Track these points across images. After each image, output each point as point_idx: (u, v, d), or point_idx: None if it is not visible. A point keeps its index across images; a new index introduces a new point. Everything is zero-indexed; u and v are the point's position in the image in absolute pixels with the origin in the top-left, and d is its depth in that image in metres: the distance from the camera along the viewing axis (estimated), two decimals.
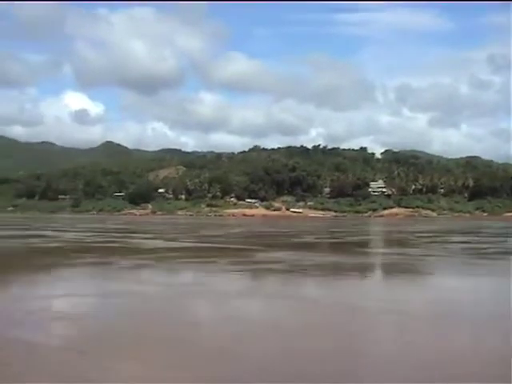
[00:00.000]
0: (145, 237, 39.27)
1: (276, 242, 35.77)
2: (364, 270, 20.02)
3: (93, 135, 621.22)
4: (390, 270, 20.19)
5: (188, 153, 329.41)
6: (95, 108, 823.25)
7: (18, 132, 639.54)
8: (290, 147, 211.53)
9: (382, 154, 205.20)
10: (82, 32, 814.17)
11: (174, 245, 31.23)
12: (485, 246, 31.77)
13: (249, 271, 18.65)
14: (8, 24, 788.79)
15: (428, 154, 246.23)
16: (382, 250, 30.59)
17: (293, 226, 68.32)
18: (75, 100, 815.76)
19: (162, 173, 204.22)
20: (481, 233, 51.31)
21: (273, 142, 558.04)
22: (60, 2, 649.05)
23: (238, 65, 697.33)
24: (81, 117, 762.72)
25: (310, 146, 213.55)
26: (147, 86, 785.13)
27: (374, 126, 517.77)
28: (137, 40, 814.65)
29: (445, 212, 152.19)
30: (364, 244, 36.92)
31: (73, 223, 74.70)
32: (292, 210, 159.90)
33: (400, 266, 20.86)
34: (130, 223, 79.67)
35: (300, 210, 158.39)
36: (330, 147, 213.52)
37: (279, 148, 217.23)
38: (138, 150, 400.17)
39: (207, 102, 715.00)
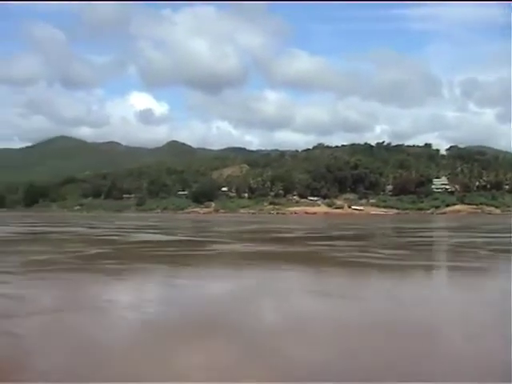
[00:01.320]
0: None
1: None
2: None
3: (158, 135, 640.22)
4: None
5: (252, 151, 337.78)
6: (160, 108, 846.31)
7: (85, 133, 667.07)
8: (353, 144, 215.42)
9: (447, 150, 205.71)
10: (147, 32, 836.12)
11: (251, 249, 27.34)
12: None
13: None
14: (76, 26, 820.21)
15: (496, 150, 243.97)
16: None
17: (359, 225, 68.49)
18: (140, 100, 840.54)
19: (226, 171, 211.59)
20: None
21: (337, 140, 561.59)
22: (125, 2, 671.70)
23: (300, 62, 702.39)
24: (146, 117, 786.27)
25: (373, 143, 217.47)
26: (211, 84, 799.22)
27: (439, 122, 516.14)
28: (200, 39, 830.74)
29: (509, 209, 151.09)
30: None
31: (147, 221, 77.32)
32: (353, 207, 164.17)
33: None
34: (197, 221, 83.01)
35: (361, 208, 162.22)
36: (394, 144, 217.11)
37: (343, 145, 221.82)
38: (203, 149, 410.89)
39: (271, 100, 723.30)
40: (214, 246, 27.60)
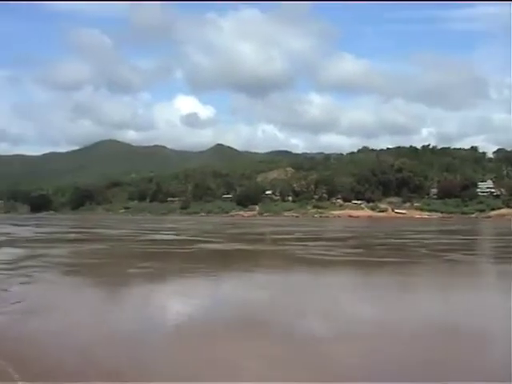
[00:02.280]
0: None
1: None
2: None
3: (203, 138, 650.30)
4: None
5: (297, 154, 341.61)
6: (206, 111, 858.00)
7: (131, 136, 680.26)
8: (398, 147, 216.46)
9: (494, 153, 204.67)
10: (192, 36, 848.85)
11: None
12: None
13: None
14: (123, 31, 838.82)
15: None
16: None
17: (379, 227, 72.15)
18: (186, 104, 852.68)
19: (271, 175, 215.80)
20: None
21: (383, 143, 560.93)
22: (170, 1, 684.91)
23: (346, 65, 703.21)
24: (192, 120, 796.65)
25: (419, 146, 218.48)
26: (256, 88, 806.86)
27: (487, 125, 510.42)
28: (245, 42, 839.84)
29: None
30: None
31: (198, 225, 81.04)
32: (396, 211, 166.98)
33: None
34: (237, 224, 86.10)
35: (404, 211, 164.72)
36: (439, 147, 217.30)
37: (388, 148, 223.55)
38: (248, 152, 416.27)
39: (316, 103, 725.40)
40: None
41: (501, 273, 20.94)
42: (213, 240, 39.74)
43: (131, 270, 20.03)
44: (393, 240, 41.88)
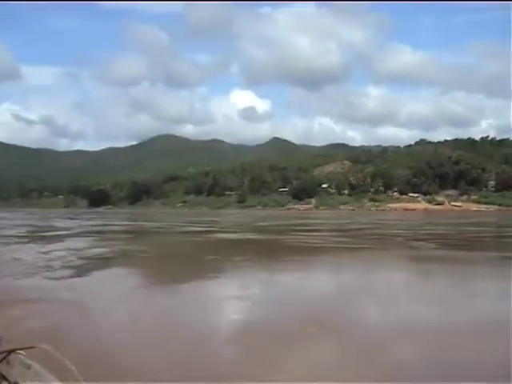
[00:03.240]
0: None
1: None
2: None
3: (260, 132, 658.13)
4: None
5: (354, 147, 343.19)
6: (262, 105, 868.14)
7: (189, 131, 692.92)
8: (456, 140, 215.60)
9: None
10: (248, 31, 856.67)
11: None
12: None
13: None
14: (179, 27, 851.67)
15: None
16: None
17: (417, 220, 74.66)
18: (243, 98, 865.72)
19: (328, 168, 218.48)
20: None
21: (442, 135, 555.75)
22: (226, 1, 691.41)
23: (402, 57, 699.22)
24: (248, 114, 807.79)
25: (478, 138, 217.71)
26: (313, 81, 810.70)
27: None
28: (300, 36, 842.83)
29: None
30: None
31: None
32: (452, 203, 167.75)
33: None
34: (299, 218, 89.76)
35: (459, 204, 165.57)
36: (499, 138, 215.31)
37: (446, 141, 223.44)
38: (305, 146, 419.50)
39: (373, 96, 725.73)
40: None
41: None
42: (231, 230, 44.37)
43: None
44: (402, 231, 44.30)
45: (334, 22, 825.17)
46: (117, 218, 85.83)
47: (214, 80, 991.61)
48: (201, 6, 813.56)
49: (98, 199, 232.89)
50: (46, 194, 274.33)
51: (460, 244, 29.95)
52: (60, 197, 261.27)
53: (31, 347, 3.90)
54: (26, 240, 30.98)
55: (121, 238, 34.86)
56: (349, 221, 69.81)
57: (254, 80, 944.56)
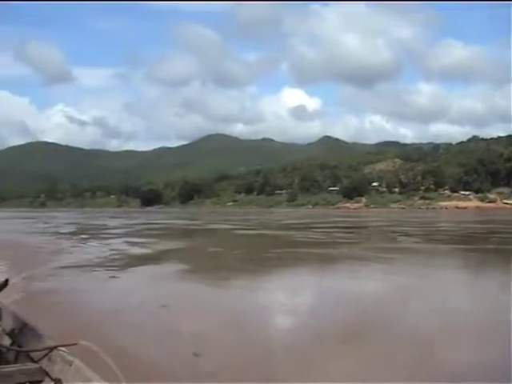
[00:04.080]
0: None
1: None
2: None
3: (311, 130, 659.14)
4: None
5: (406, 145, 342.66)
6: (312, 103, 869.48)
7: (239, 130, 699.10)
8: (510, 136, 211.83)
9: None
10: (297, 29, 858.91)
11: None
12: None
13: None
14: (229, 26, 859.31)
15: None
16: None
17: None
18: (293, 96, 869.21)
19: (378, 166, 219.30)
20: None
21: (495, 131, 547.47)
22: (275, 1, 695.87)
23: (454, 52, 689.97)
24: (299, 112, 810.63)
25: None
26: (363, 78, 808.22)
27: None
28: (350, 33, 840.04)
29: None
30: None
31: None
32: (505, 201, 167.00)
33: None
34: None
35: (510, 202, 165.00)
36: None
37: (499, 137, 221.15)
38: (356, 144, 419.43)
39: (425, 92, 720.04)
40: None
41: None
42: (253, 228, 49.50)
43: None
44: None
45: (383, 19, 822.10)
46: (158, 217, 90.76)
47: (263, 79, 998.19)
48: (250, 4, 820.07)
49: (150, 199, 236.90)
50: (98, 193, 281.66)
51: None
52: (112, 197, 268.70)
53: (73, 344, 4.17)
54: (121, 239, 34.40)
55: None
56: (401, 219, 71.28)
57: (304, 78, 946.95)
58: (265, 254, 23.56)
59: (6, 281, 4.81)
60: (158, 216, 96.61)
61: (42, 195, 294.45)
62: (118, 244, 28.93)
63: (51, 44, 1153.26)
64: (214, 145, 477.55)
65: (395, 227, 48.32)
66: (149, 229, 48.46)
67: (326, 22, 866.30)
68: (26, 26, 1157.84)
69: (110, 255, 22.95)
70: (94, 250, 25.57)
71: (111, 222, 64.74)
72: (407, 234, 36.27)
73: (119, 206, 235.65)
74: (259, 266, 19.87)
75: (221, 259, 22.16)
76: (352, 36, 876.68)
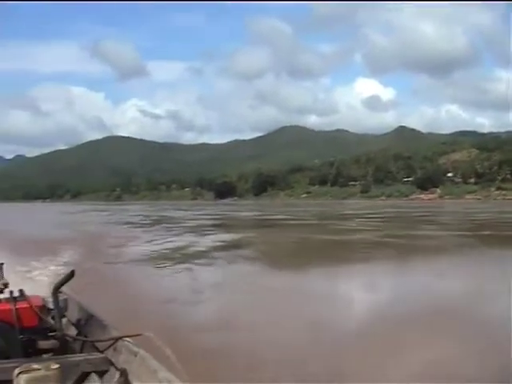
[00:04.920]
0: None
1: None
2: None
3: (385, 121, 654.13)
4: None
5: (483, 134, 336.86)
6: (387, 93, 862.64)
7: (313, 121, 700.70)
8: None
9: None
10: (371, 18, 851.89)
11: None
12: None
13: None
14: (302, 18, 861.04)
15: None
16: None
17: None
18: (367, 87, 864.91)
19: (454, 156, 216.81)
20: None
21: None
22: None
23: None
24: (373, 103, 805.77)
25: None
26: (438, 67, 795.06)
27: None
28: (425, 20, 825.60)
29: None
30: None
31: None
32: None
33: None
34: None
35: None
36: None
37: None
38: (432, 134, 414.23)
39: (504, 80, 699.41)
40: None
41: None
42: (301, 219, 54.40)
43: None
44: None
45: (460, 6, 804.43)
46: (229, 209, 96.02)
47: (337, 69, 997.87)
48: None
49: (224, 191, 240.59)
50: (173, 187, 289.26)
51: None
52: (187, 190, 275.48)
53: (138, 334, 4.28)
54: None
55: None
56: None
57: (378, 68, 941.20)
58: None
59: (72, 272, 4.96)
60: (230, 208, 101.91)
61: (118, 189, 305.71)
62: (187, 236, 31.83)
63: (125, 40, 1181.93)
64: (287, 137, 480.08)
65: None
66: (217, 220, 53.19)
67: (400, 11, 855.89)
68: (102, 23, 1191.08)
69: (176, 247, 25.40)
70: (166, 241, 28.73)
71: (182, 214, 70.36)
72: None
73: (193, 198, 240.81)
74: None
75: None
76: (427, 23, 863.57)
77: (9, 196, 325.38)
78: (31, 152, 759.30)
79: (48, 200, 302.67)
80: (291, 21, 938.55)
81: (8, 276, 5.39)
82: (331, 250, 24.71)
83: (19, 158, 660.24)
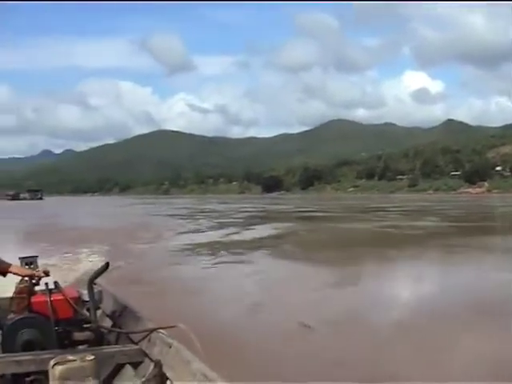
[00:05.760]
0: None
1: None
2: None
3: (434, 114, 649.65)
4: None
5: None
6: (435, 86, 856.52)
7: (360, 115, 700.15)
8: None
9: None
10: (419, 11, 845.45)
11: None
12: None
13: None
14: (349, 11, 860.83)
15: None
16: None
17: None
18: (415, 79, 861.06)
19: (503, 149, 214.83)
20: None
21: None
22: None
23: None
24: (421, 96, 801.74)
25: None
26: (488, 59, 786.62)
27: None
28: (475, 13, 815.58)
29: None
30: None
31: None
32: None
33: None
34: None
35: None
36: None
37: None
38: (481, 127, 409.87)
39: None
40: None
41: None
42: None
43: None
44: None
45: None
46: (276, 202, 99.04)
47: (384, 62, 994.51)
48: None
49: (271, 185, 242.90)
50: (221, 180, 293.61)
51: None
52: (234, 183, 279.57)
53: (172, 326, 4.36)
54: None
55: None
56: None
57: (426, 61, 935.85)
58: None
59: (107, 264, 5.13)
60: (274, 201, 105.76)
61: (166, 182, 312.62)
62: (231, 227, 33.20)
63: (173, 35, 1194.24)
64: (335, 130, 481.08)
65: None
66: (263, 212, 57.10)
67: (450, 3, 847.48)
68: (150, 18, 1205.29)
69: (219, 237, 26.90)
70: (211, 231, 31.09)
71: (223, 207, 74.26)
72: None
73: (241, 192, 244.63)
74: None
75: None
76: (476, 16, 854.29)
77: (57, 190, 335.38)
78: (79, 146, 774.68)
79: (97, 194, 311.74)
80: (337, 14, 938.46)
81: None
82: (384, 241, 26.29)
83: (68, 153, 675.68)
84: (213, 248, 21.97)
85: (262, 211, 61.40)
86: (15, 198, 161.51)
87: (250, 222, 40.72)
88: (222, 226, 35.58)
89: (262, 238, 26.26)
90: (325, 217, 47.71)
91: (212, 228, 34.26)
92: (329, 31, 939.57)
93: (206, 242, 24.78)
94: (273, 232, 30.29)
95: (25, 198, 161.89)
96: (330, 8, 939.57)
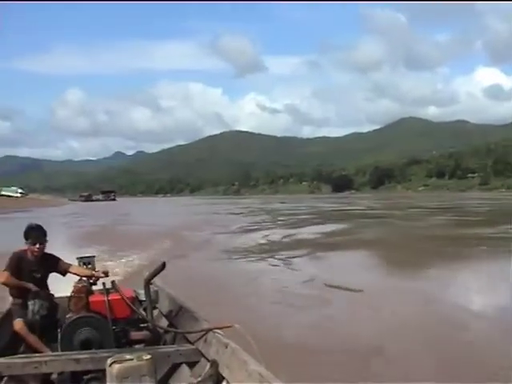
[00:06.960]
0: None
1: None
2: None
3: (507, 110, 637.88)
4: None
5: None
6: (509, 82, 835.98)
7: (431, 112, 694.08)
8: None
9: None
10: (493, 6, 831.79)
11: None
12: None
13: None
14: (417, 8, 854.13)
15: None
16: None
17: None
18: (488, 75, 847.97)
19: None
20: None
21: None
22: None
23: None
24: (494, 92, 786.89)
25: None
26: None
27: None
28: None
29: None
30: None
31: None
32: None
33: None
34: None
35: None
36: None
37: None
38: None
39: None
40: None
41: None
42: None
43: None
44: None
45: None
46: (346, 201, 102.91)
47: (456, 59, 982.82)
48: None
49: (341, 184, 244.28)
50: (291, 180, 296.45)
51: None
52: (304, 183, 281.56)
53: (228, 326, 4.46)
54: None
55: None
56: None
57: (499, 56, 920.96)
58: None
59: (163, 264, 5.17)
60: (344, 201, 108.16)
61: (236, 182, 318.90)
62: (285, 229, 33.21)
63: (243, 36, 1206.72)
64: (406, 128, 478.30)
65: None
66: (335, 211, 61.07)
67: None
68: (220, 20, 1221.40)
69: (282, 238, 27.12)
70: (278, 230, 31.55)
71: (285, 206, 77.57)
72: None
73: (311, 192, 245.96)
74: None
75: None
76: None
77: (130, 191, 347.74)
78: (150, 148, 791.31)
79: (168, 194, 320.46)
80: (404, 10, 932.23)
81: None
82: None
83: (140, 154, 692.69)
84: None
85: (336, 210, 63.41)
86: (88, 199, 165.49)
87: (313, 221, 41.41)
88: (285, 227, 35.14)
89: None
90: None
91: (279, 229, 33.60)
92: (398, 28, 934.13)
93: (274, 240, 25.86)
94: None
95: (98, 200, 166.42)
96: (398, 5, 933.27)
